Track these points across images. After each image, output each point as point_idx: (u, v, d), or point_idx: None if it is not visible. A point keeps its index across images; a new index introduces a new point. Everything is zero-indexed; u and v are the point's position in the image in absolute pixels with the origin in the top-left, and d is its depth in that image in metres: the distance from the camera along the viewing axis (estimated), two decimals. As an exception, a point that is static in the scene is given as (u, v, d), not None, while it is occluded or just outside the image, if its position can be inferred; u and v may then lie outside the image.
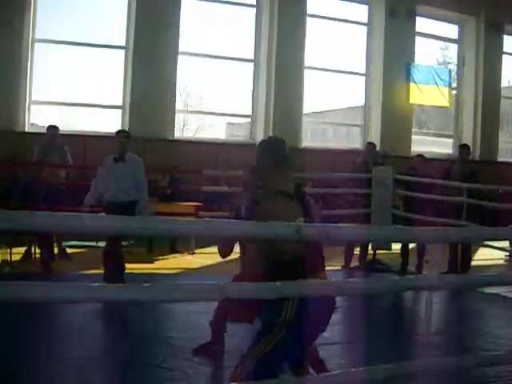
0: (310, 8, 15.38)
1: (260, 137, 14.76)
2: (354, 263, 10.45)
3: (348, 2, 16.24)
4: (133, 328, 6.41)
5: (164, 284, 3.30)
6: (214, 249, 9.72)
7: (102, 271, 7.88)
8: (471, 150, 12.15)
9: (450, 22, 17.95)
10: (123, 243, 9.00)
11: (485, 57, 17.60)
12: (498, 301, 8.23)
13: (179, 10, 13.90)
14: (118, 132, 8.63)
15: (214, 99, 15.24)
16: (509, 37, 18.33)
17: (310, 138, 16.47)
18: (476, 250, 11.49)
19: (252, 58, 15.16)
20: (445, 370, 3.18)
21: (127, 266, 8.16)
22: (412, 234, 2.71)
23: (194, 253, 11.12)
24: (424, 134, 18.11)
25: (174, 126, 14.22)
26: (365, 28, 16.57)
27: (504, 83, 18.24)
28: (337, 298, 3.74)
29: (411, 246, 10.05)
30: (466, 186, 9.76)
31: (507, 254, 11.99)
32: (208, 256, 10.09)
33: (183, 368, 5.16)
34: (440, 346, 6.04)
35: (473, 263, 10.09)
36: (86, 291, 2.70)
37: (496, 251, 10.96)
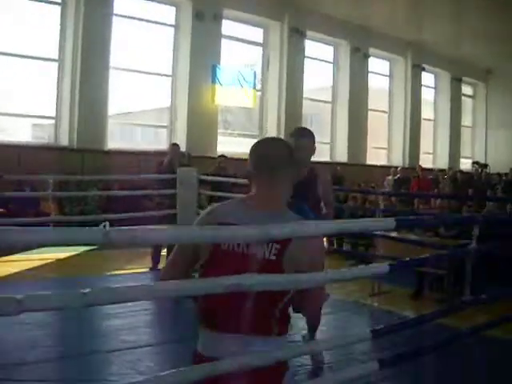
0: (117, 8, 15.17)
1: (64, 139, 14.38)
2: (162, 264, 10.35)
3: (155, 3, 16.20)
4: None
5: None
6: (20, 256, 9.46)
7: None
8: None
9: (255, 25, 18.62)
10: None
11: (288, 60, 18.47)
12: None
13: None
14: None
15: (18, 100, 14.55)
16: (310, 42, 19.40)
17: (120, 140, 16.28)
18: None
19: (57, 57, 14.63)
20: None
21: None
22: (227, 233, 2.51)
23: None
24: (229, 135, 18.55)
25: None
26: (172, 29, 16.72)
27: (306, 85, 19.18)
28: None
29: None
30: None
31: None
32: (14, 264, 9.62)
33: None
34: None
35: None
36: None
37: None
